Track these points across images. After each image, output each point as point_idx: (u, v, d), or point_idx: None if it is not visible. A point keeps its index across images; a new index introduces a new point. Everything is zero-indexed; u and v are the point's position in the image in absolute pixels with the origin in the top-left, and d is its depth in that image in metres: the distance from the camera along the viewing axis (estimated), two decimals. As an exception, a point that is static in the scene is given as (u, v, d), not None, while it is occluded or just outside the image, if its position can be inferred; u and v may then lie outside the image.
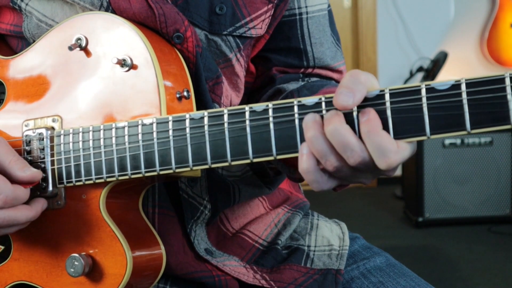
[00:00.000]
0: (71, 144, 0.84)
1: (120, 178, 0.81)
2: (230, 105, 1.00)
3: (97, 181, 0.82)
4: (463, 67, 4.81)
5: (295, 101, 0.72)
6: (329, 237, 1.06)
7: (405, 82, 4.56)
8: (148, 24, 0.87)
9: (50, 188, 0.85)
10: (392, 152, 0.68)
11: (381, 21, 4.78)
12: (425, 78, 4.51)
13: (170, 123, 0.78)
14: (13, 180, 0.81)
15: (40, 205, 0.84)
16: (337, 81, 1.10)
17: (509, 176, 3.52)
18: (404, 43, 4.78)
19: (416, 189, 3.55)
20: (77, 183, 0.84)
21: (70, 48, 0.84)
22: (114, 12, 0.87)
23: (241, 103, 1.03)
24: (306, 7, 1.03)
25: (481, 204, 3.55)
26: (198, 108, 0.89)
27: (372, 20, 4.79)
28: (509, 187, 3.53)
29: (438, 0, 4.77)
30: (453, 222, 3.56)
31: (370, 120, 0.68)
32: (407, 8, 4.73)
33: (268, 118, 0.73)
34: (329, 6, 1.07)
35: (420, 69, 4.52)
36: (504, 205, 3.55)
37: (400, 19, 4.75)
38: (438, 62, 4.40)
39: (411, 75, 4.55)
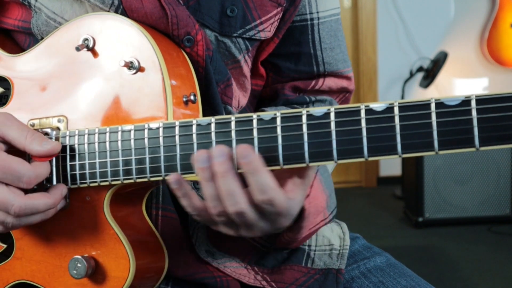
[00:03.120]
0: (76, 145, 0.83)
1: (125, 181, 0.80)
2: (238, 105, 1.00)
3: (102, 183, 0.82)
4: (463, 67, 4.81)
5: (303, 111, 0.72)
6: (329, 236, 1.06)
7: (405, 82, 4.56)
8: (158, 25, 0.86)
9: None
10: (272, 188, 0.71)
11: (381, 21, 4.79)
12: (425, 78, 4.51)
13: (177, 128, 0.77)
14: (32, 156, 0.80)
15: (59, 191, 0.82)
16: (347, 89, 1.11)
17: (509, 176, 3.53)
18: (404, 43, 4.78)
19: (416, 189, 3.55)
20: (82, 185, 0.83)
21: (77, 49, 0.84)
22: (124, 10, 0.86)
23: (247, 103, 1.04)
24: (317, 12, 1.04)
25: (481, 204, 3.56)
26: (207, 112, 0.89)
27: (372, 20, 4.79)
28: (509, 187, 3.53)
29: (438, 0, 4.77)
30: (453, 222, 3.56)
31: (251, 162, 0.71)
32: (407, 8, 4.73)
33: (275, 127, 0.73)
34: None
35: (420, 69, 4.52)
36: (504, 205, 3.55)
37: (400, 19, 4.75)
38: (438, 62, 4.40)
39: (411, 75, 4.55)
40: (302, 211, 0.85)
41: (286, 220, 0.76)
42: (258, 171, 0.71)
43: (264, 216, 0.74)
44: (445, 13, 4.79)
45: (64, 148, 0.84)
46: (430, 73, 4.45)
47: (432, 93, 4.76)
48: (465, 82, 4.84)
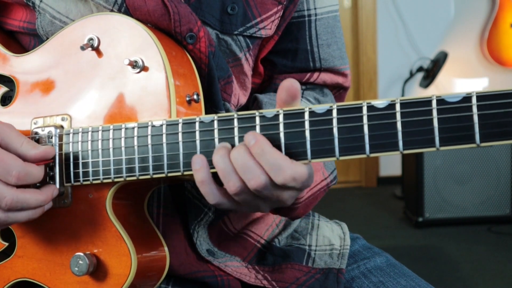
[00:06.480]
0: (80, 143, 0.84)
1: (128, 179, 0.81)
2: (238, 104, 1.00)
3: (105, 181, 0.82)
4: (463, 67, 4.82)
5: (306, 108, 0.73)
6: (330, 236, 1.06)
7: (405, 82, 4.56)
8: (161, 23, 0.87)
9: (57, 186, 0.85)
10: (286, 166, 0.71)
11: (381, 21, 4.79)
12: (425, 78, 4.51)
13: (180, 126, 0.78)
14: (26, 160, 0.81)
15: (51, 190, 0.83)
16: (342, 86, 1.11)
17: (509, 176, 3.53)
18: (404, 43, 4.78)
19: (416, 189, 3.56)
20: (85, 183, 0.83)
21: (82, 48, 0.85)
22: (127, 9, 0.87)
23: (247, 102, 1.04)
24: (315, 8, 1.04)
25: (481, 204, 3.56)
26: (209, 109, 0.90)
27: (372, 20, 4.80)
28: (509, 187, 3.53)
29: (438, 0, 4.78)
30: (453, 222, 3.56)
31: (258, 141, 0.72)
32: (407, 8, 4.74)
33: (278, 125, 0.73)
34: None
35: (420, 69, 4.53)
36: (504, 205, 3.55)
37: (400, 19, 4.75)
38: (438, 62, 4.40)
39: (411, 75, 4.56)
40: None
41: (310, 180, 0.76)
42: (266, 150, 0.72)
43: (290, 188, 0.75)
44: (445, 13, 4.80)
45: (67, 145, 0.85)
46: (430, 73, 4.45)
47: (432, 93, 4.76)
48: (465, 82, 4.84)
